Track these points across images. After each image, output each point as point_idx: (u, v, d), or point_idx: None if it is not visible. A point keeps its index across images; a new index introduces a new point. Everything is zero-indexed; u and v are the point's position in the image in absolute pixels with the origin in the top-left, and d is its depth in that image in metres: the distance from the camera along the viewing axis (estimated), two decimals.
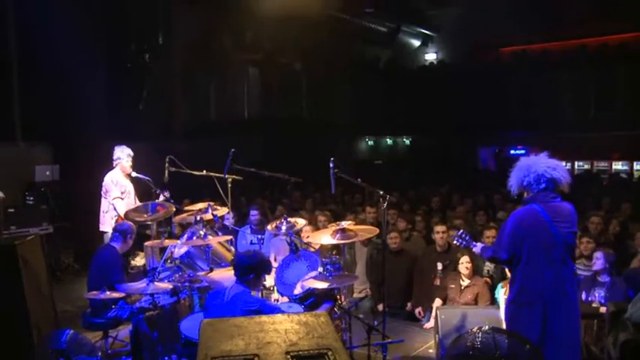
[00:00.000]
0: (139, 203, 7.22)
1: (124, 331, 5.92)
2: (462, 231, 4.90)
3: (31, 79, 9.75)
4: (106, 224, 7.15)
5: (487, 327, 2.53)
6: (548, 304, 4.18)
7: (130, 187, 7.28)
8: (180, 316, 5.18)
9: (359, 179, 5.15)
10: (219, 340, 2.73)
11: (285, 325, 2.89)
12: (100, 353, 5.28)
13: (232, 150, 6.25)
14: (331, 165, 5.00)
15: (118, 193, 7.10)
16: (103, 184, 7.19)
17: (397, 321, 6.92)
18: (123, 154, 7.21)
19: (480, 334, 2.49)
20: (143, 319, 5.03)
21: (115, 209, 7.09)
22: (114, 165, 7.25)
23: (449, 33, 20.28)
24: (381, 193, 4.91)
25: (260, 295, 5.40)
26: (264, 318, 3.01)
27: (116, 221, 6.96)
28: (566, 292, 4.22)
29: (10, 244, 5.18)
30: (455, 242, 4.94)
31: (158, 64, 10.78)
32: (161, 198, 7.15)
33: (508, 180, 4.47)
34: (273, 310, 4.29)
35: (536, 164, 4.29)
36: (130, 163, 7.24)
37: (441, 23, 20.34)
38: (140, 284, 4.98)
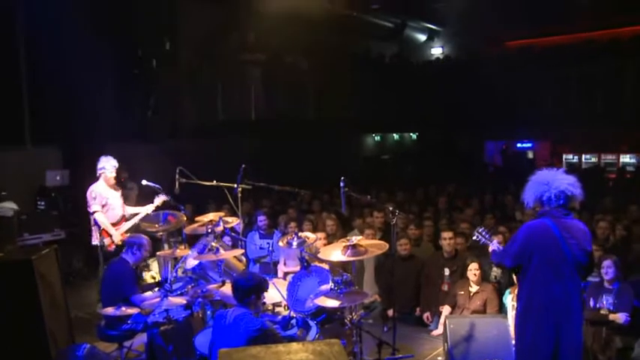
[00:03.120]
0: (134, 210, 7.25)
1: (138, 341, 6.02)
2: (482, 228, 5.08)
3: (40, 83, 9.79)
4: (95, 238, 7.04)
5: None
6: (555, 318, 4.27)
7: (113, 199, 7.10)
8: (194, 329, 5.28)
9: (369, 196, 5.21)
10: None
11: (301, 355, 2.96)
12: None
13: (243, 166, 6.30)
14: (342, 184, 5.05)
15: (98, 207, 6.94)
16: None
17: (406, 327, 6.96)
18: (108, 165, 7.06)
19: None
20: (158, 333, 5.13)
21: (96, 223, 6.97)
22: (98, 175, 7.10)
23: (455, 27, 20.21)
24: (391, 209, 4.97)
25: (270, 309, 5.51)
26: (280, 347, 3.08)
27: (101, 234, 6.93)
28: (572, 308, 4.32)
29: (27, 259, 5.24)
30: (475, 238, 5.10)
31: (165, 68, 10.82)
32: (157, 201, 7.14)
33: (523, 194, 4.55)
34: (275, 330, 4.38)
35: (556, 180, 4.38)
36: (114, 174, 7.09)
37: (447, 17, 20.25)
38: (154, 299, 5.06)
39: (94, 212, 6.93)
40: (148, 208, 7.19)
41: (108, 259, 6.86)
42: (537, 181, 4.47)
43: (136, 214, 7.21)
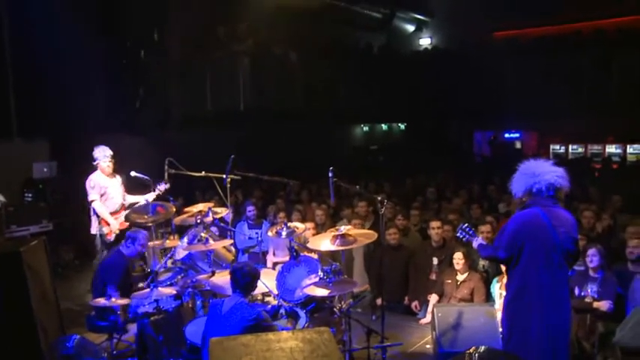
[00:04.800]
0: (135, 199, 7.30)
1: (128, 332, 6.03)
2: (466, 224, 5.03)
3: (27, 74, 9.72)
4: (94, 227, 7.15)
5: (483, 348, 2.64)
6: (545, 306, 4.33)
7: (112, 188, 7.20)
8: (184, 318, 5.31)
9: (357, 186, 5.23)
10: None
11: (290, 343, 2.99)
12: (105, 354, 5.38)
13: (232, 156, 6.31)
14: (330, 174, 5.06)
15: (95, 197, 7.03)
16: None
17: (395, 315, 7.02)
18: (100, 155, 7.13)
19: (476, 356, 2.60)
20: (148, 323, 5.15)
21: (94, 212, 7.08)
22: (95, 165, 7.19)
23: (443, 18, 20.26)
24: (379, 199, 5.01)
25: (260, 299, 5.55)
26: (270, 336, 3.11)
27: (100, 222, 7.03)
28: (561, 296, 4.39)
29: (15, 251, 5.21)
30: (458, 235, 5.07)
31: (154, 59, 10.78)
32: (158, 189, 7.21)
33: (511, 184, 4.58)
34: (270, 320, 4.42)
35: (545, 172, 4.42)
36: (108, 164, 7.14)
37: (435, 8, 20.30)
38: (144, 290, 5.08)
39: (92, 201, 7.03)
40: (149, 197, 7.23)
41: (108, 247, 6.99)
42: (526, 172, 4.49)
43: (136, 202, 7.23)
